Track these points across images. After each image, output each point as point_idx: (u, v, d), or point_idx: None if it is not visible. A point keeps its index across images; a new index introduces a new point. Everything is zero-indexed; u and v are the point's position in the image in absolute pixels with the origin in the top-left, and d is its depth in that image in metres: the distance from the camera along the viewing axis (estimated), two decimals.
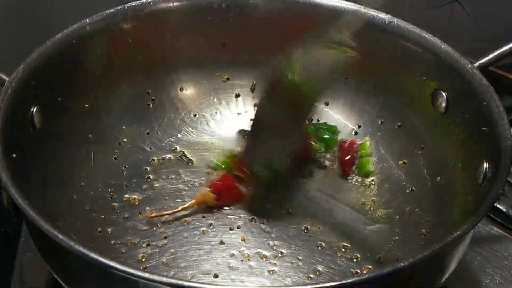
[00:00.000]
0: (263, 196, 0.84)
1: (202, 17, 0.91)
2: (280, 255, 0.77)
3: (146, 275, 0.57)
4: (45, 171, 0.77)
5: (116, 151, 0.88)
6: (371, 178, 0.87)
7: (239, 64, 0.93)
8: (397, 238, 0.79)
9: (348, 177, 0.87)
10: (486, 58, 0.82)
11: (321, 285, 0.56)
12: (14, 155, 0.70)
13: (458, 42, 0.88)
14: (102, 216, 0.80)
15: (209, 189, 0.81)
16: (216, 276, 0.75)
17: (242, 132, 0.91)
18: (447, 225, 0.76)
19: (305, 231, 0.80)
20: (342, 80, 0.91)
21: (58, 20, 0.87)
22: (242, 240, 0.79)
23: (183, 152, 0.89)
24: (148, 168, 0.87)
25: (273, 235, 0.79)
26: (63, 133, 0.82)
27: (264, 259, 0.77)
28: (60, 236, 0.59)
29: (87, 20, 0.85)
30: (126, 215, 0.81)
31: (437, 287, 0.69)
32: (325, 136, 0.90)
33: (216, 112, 0.94)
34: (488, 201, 0.65)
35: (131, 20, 0.88)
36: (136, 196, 0.83)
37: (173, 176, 0.86)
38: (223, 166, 0.86)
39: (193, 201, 0.81)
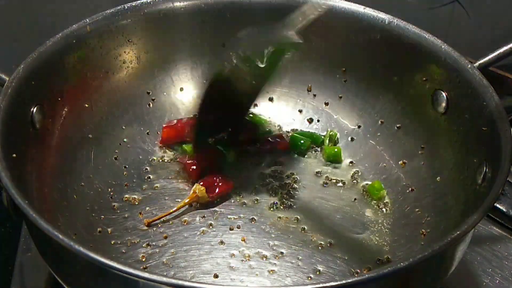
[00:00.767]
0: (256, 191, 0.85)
1: (202, 17, 0.91)
2: (280, 255, 0.77)
3: (146, 275, 0.57)
4: (45, 171, 0.77)
5: (116, 151, 0.88)
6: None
7: None
8: (397, 238, 0.79)
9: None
10: (486, 58, 0.82)
11: (321, 285, 0.56)
12: (14, 155, 0.70)
13: (458, 42, 0.88)
14: (102, 216, 0.80)
15: (201, 184, 0.82)
16: (216, 276, 0.75)
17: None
18: (447, 225, 0.76)
19: (305, 231, 0.80)
20: (342, 80, 0.92)
21: (58, 20, 0.87)
22: (242, 240, 0.79)
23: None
24: (148, 168, 0.87)
25: (273, 235, 0.79)
26: (63, 133, 0.82)
27: (264, 259, 0.77)
28: (60, 236, 0.59)
29: (87, 20, 0.85)
30: (126, 215, 0.81)
31: (437, 287, 0.69)
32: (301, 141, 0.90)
33: None
34: (488, 201, 0.65)
35: (131, 20, 0.88)
36: (136, 196, 0.83)
37: (173, 176, 0.86)
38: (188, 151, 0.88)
39: (187, 200, 0.81)
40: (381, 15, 0.87)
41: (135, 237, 0.78)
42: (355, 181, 0.87)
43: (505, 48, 0.82)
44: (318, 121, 0.93)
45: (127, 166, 0.87)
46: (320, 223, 0.81)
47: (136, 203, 0.83)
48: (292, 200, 0.84)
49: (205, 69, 0.93)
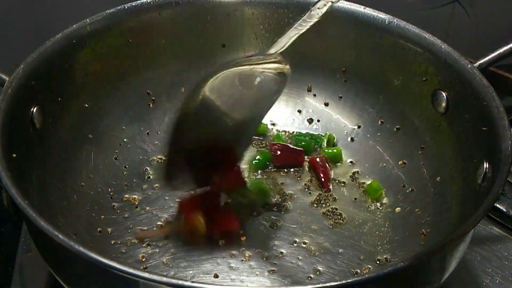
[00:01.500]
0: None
1: (202, 17, 0.91)
2: (280, 255, 0.77)
3: (146, 275, 0.57)
4: (45, 171, 0.77)
5: (116, 151, 0.88)
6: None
7: None
8: (397, 238, 0.79)
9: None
10: (486, 58, 0.82)
11: (321, 285, 0.56)
12: (14, 155, 0.70)
13: (458, 42, 0.88)
14: (102, 216, 0.80)
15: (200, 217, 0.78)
16: (216, 276, 0.75)
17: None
18: (447, 225, 0.76)
19: (305, 231, 0.80)
20: (342, 80, 0.92)
21: (58, 20, 0.87)
22: (242, 240, 0.79)
23: None
24: (148, 168, 0.87)
25: (273, 235, 0.79)
26: (63, 133, 0.82)
27: (264, 259, 0.77)
28: (60, 236, 0.59)
29: (87, 20, 0.85)
30: (126, 215, 0.81)
31: (437, 287, 0.69)
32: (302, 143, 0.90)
33: None
34: (488, 201, 0.65)
35: (131, 20, 0.88)
36: (136, 196, 0.83)
37: None
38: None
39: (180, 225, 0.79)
40: (381, 15, 0.87)
41: (135, 237, 0.78)
42: (355, 181, 0.87)
43: (505, 48, 0.82)
44: (318, 121, 0.93)
45: (127, 166, 0.87)
46: (320, 223, 0.81)
47: (136, 203, 0.83)
48: (291, 200, 0.84)
49: (205, 69, 0.93)
